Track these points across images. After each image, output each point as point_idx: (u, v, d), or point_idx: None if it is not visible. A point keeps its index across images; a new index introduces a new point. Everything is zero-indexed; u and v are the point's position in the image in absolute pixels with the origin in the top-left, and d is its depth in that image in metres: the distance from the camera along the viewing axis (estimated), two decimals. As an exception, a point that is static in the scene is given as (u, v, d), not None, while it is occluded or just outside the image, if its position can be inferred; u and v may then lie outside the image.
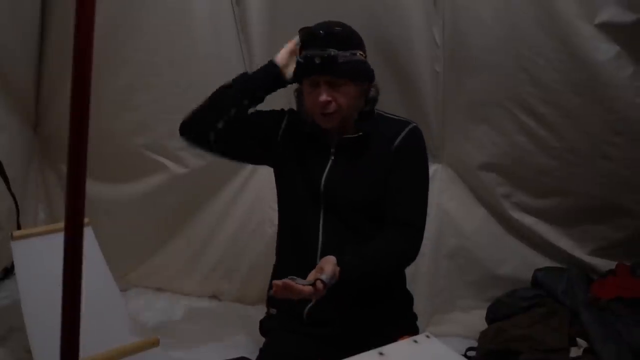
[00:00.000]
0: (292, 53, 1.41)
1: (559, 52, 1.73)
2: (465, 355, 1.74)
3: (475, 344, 1.80)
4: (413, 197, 1.38)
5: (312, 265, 1.24)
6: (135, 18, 1.98)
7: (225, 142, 1.44)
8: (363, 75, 1.37)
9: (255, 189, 2.13)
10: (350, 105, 1.35)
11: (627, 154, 1.82)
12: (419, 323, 1.53)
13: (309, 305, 1.39)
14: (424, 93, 1.93)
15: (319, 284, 1.14)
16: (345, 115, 1.36)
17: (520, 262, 2.02)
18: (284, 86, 1.44)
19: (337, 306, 1.37)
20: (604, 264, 1.96)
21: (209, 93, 2.05)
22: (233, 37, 2.01)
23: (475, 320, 1.95)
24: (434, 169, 2.04)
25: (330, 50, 1.29)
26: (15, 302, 1.68)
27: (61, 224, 0.60)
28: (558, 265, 1.99)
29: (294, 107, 1.50)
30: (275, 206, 1.56)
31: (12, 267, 1.96)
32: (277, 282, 1.14)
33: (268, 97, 1.49)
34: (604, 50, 1.68)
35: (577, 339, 1.66)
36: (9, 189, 1.91)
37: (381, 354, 0.92)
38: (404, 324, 1.46)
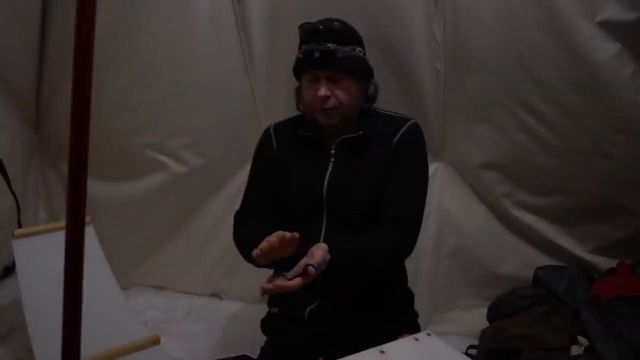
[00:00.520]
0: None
1: (560, 50, 1.73)
2: (466, 354, 1.74)
3: (476, 342, 1.80)
4: (410, 194, 1.37)
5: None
6: (135, 18, 1.98)
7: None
8: (362, 71, 1.37)
9: (256, 187, 2.13)
10: (349, 102, 1.35)
11: (628, 153, 1.81)
12: (419, 321, 1.53)
13: (310, 307, 1.39)
14: (424, 92, 1.92)
15: (311, 269, 1.13)
16: (345, 112, 1.36)
17: (520, 261, 2.02)
18: None
19: (338, 307, 1.38)
20: (605, 263, 1.96)
21: (208, 93, 2.07)
22: (233, 37, 2.01)
23: (476, 318, 1.95)
24: (435, 168, 2.04)
25: (330, 45, 1.30)
26: (17, 301, 1.69)
27: (62, 223, 0.60)
28: (559, 263, 1.99)
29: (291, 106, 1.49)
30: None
31: (13, 265, 1.96)
32: (267, 286, 1.13)
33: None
34: (605, 49, 1.68)
35: (578, 337, 1.66)
36: (10, 187, 1.92)
37: (382, 352, 0.92)
38: (405, 322, 1.46)
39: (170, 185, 2.15)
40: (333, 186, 1.38)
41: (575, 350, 1.63)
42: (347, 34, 1.35)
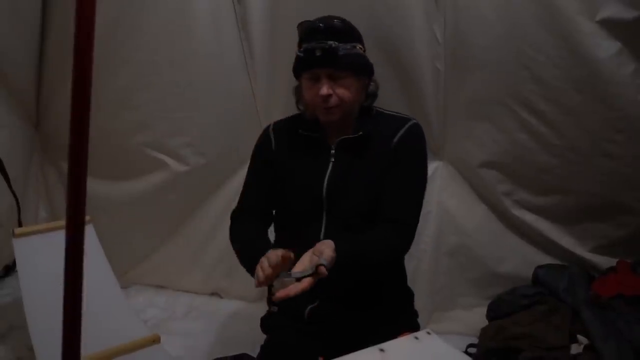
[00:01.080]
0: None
1: (560, 49, 1.73)
2: (465, 353, 1.74)
3: (476, 341, 1.81)
4: (407, 194, 1.37)
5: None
6: (135, 18, 1.98)
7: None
8: (363, 68, 1.37)
9: (256, 186, 2.13)
10: (351, 99, 1.34)
11: (628, 152, 1.81)
12: (419, 320, 1.53)
13: (311, 306, 1.39)
14: (425, 91, 1.92)
15: (322, 270, 1.10)
16: (347, 109, 1.36)
17: (521, 260, 2.02)
18: None
19: (338, 306, 1.38)
20: (605, 262, 1.96)
21: (209, 92, 2.07)
22: (234, 36, 2.01)
23: (476, 317, 1.95)
24: (435, 167, 2.04)
25: (331, 43, 1.29)
26: (17, 300, 1.69)
27: (62, 222, 0.60)
28: (559, 262, 1.99)
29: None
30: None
31: (14, 264, 1.97)
32: (280, 295, 1.11)
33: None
34: (605, 47, 1.68)
35: (578, 336, 1.66)
36: (10, 186, 1.92)
37: (382, 350, 0.92)
38: (404, 321, 1.46)
39: (170, 185, 2.15)
40: (333, 186, 1.38)
41: (575, 349, 1.63)
42: (347, 32, 1.35)
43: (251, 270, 1.24)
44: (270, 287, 1.16)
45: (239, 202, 1.50)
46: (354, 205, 1.37)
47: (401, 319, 1.46)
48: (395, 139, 1.37)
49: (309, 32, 1.33)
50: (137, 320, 1.73)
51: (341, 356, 0.90)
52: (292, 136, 1.44)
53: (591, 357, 1.57)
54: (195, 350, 1.85)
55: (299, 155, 1.43)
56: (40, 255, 1.59)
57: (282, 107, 1.83)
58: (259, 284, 1.15)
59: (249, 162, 1.54)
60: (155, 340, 1.58)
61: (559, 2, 1.68)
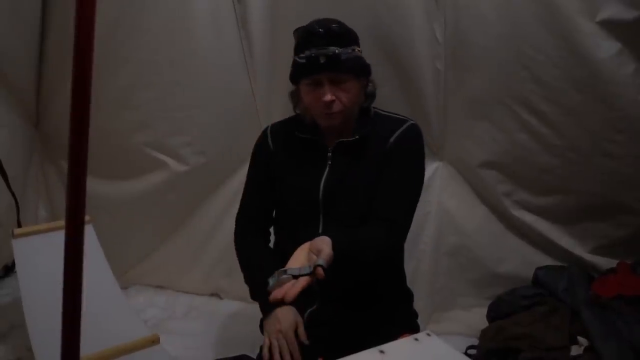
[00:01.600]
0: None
1: (560, 49, 1.73)
2: (465, 354, 1.74)
3: (476, 342, 1.81)
4: (400, 193, 1.35)
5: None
6: (135, 17, 1.98)
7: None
8: (362, 70, 1.36)
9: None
10: (353, 103, 1.34)
11: (629, 152, 1.81)
12: (419, 321, 1.53)
13: (310, 309, 1.38)
14: (425, 91, 1.92)
15: (320, 271, 1.07)
16: (348, 113, 1.36)
17: (520, 261, 2.02)
18: None
19: (337, 308, 1.37)
20: (605, 262, 1.96)
21: (209, 92, 2.07)
22: (234, 35, 2.00)
23: (476, 318, 1.95)
24: (435, 167, 2.04)
25: (334, 49, 1.28)
26: (16, 300, 1.69)
27: (62, 222, 0.60)
28: (559, 263, 1.99)
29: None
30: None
31: (13, 264, 1.97)
32: (277, 295, 1.07)
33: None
34: (606, 48, 1.68)
35: (578, 337, 1.66)
36: (9, 186, 1.92)
37: (382, 352, 0.91)
38: (404, 322, 1.45)
39: (170, 184, 2.15)
40: (329, 189, 1.38)
41: (575, 350, 1.63)
42: (345, 35, 1.33)
43: (253, 294, 1.42)
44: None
45: (241, 206, 1.52)
46: (351, 208, 1.37)
47: (401, 320, 1.46)
48: (392, 140, 1.37)
49: (308, 37, 1.31)
50: (136, 321, 1.73)
51: (341, 358, 0.89)
52: (290, 138, 1.44)
53: (591, 358, 1.56)
54: (195, 350, 1.85)
55: (296, 158, 1.43)
56: (40, 255, 1.58)
57: (282, 106, 1.82)
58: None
59: (249, 161, 1.54)
60: (155, 340, 1.57)
61: (559, 2, 1.68)
